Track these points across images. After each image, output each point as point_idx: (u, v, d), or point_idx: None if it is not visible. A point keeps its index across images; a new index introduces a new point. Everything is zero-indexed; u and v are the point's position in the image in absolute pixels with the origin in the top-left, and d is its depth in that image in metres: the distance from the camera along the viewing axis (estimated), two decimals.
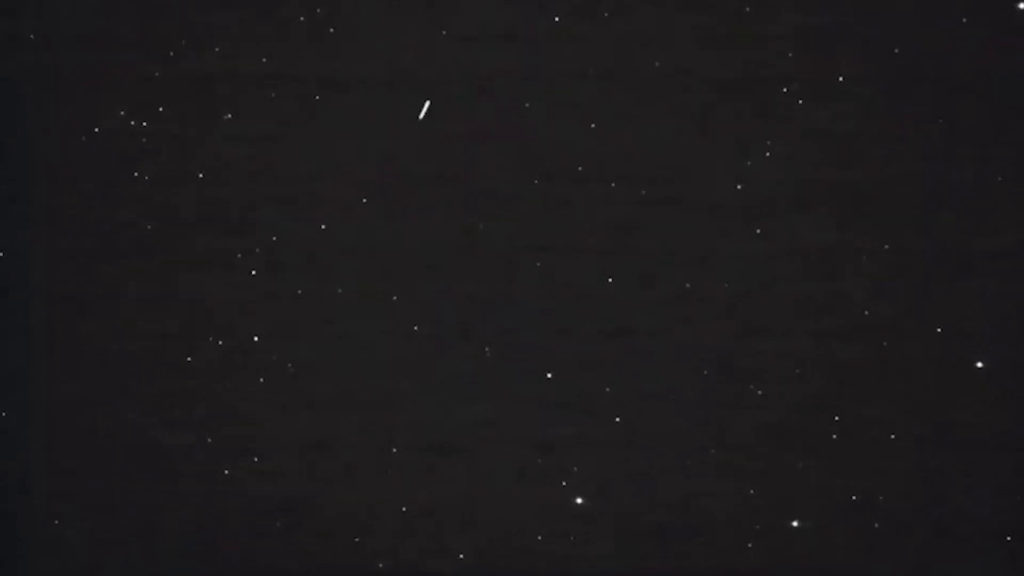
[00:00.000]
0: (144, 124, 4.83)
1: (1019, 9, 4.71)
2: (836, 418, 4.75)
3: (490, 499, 4.81)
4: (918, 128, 4.72)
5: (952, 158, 4.71)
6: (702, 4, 4.75)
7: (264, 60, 4.82)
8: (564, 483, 4.82)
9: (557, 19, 4.78)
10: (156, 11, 4.82)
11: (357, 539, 4.83)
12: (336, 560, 4.83)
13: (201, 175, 4.83)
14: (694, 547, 4.78)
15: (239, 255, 4.82)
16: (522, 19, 4.78)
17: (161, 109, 4.83)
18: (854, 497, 4.75)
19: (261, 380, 4.83)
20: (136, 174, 4.83)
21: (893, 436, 4.74)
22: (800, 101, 4.74)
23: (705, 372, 4.77)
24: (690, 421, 4.78)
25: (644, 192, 4.77)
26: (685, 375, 4.77)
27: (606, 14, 4.77)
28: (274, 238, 4.83)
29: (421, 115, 4.30)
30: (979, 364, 4.72)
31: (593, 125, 4.78)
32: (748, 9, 4.75)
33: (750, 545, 4.78)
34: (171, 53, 4.82)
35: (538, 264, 4.79)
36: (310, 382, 4.83)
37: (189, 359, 4.82)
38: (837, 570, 4.76)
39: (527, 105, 4.79)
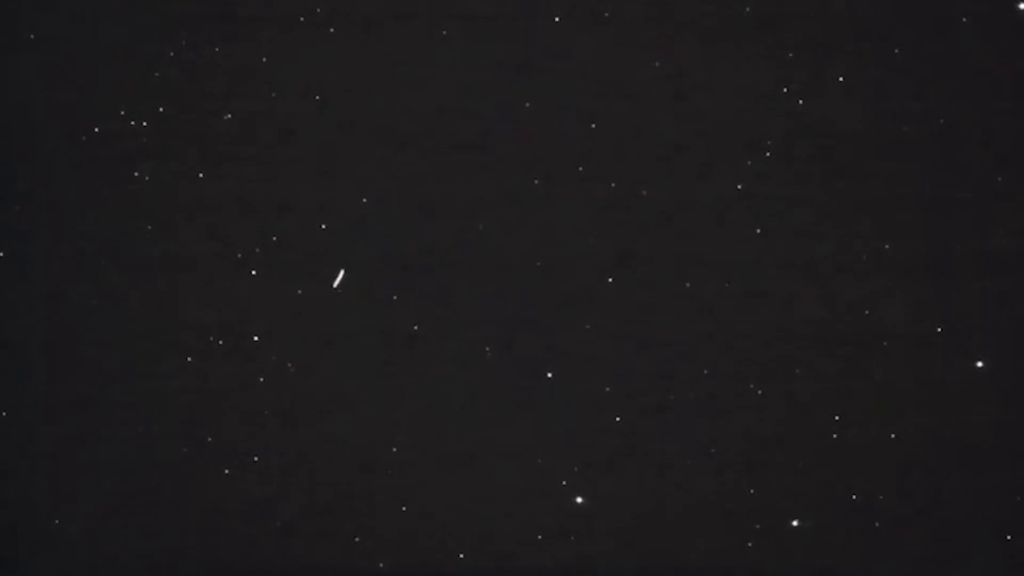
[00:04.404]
0: (144, 124, 4.83)
1: (1019, 9, 4.71)
2: (836, 418, 4.75)
3: (490, 499, 4.81)
4: (918, 128, 4.72)
5: (952, 158, 4.71)
6: (702, 4, 4.75)
7: (264, 60, 4.82)
8: (564, 483, 4.82)
9: (557, 19, 4.78)
10: (156, 11, 4.82)
11: (357, 539, 4.83)
12: (336, 560, 4.83)
13: (201, 175, 4.82)
14: (694, 547, 4.78)
15: (239, 255, 4.82)
16: (522, 19, 4.78)
17: (161, 109, 4.82)
18: (854, 497, 4.75)
19: (261, 380, 4.83)
20: (136, 174, 4.83)
21: (893, 436, 4.74)
22: (800, 101, 4.74)
23: (705, 372, 4.77)
24: (690, 421, 4.78)
25: (644, 192, 4.77)
26: (685, 375, 4.77)
27: (606, 14, 4.77)
28: (274, 238, 4.83)
29: (335, 283, 4.35)
30: (979, 364, 4.72)
31: (593, 125, 4.78)
32: (748, 9, 4.75)
33: (750, 545, 4.78)
34: (171, 53, 4.82)
35: (538, 264, 4.79)
36: (310, 382, 4.83)
37: (189, 359, 4.82)
38: (837, 570, 4.76)
39: (527, 105, 4.79)
